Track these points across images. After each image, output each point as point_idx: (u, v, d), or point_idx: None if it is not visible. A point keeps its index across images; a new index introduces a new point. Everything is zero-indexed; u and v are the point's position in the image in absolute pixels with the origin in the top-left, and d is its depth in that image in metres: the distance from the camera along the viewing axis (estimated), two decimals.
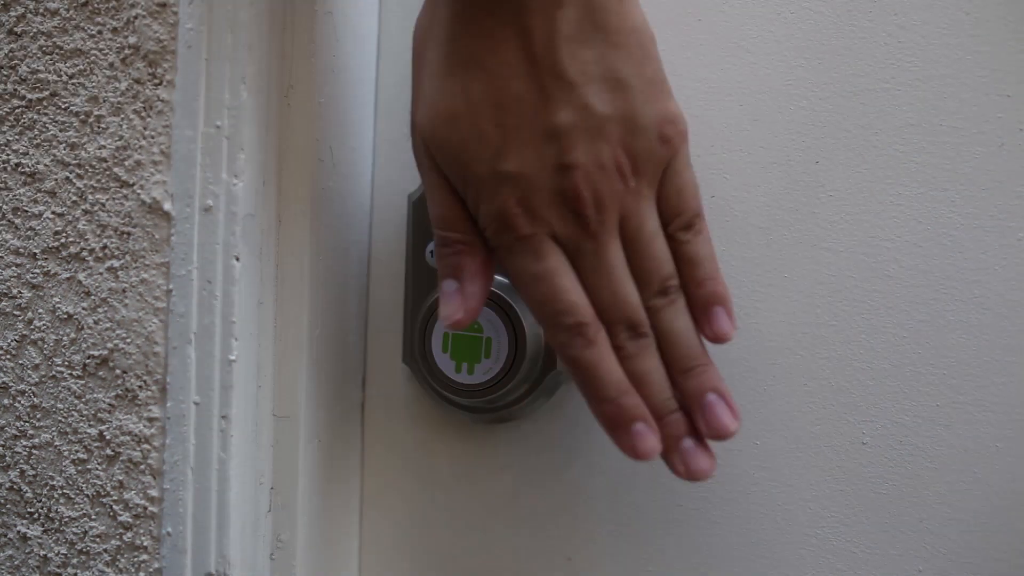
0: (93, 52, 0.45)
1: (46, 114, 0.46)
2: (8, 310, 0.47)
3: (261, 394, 0.46)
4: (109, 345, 0.46)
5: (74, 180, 0.46)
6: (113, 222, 0.46)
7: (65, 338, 0.47)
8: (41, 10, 0.46)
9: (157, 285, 0.45)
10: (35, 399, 0.47)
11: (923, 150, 0.46)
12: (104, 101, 0.45)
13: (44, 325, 0.47)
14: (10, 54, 0.47)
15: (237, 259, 0.44)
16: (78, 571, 0.47)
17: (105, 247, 0.46)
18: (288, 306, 0.47)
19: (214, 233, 0.44)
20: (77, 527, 0.47)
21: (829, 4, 0.47)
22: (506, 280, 0.47)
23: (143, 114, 0.45)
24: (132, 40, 0.45)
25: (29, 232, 0.47)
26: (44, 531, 0.47)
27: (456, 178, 0.38)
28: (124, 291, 0.46)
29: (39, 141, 0.46)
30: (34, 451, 0.47)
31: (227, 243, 0.44)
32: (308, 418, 0.48)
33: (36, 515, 0.47)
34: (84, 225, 0.46)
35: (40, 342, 0.47)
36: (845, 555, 0.47)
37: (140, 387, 0.45)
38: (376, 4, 0.53)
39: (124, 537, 0.46)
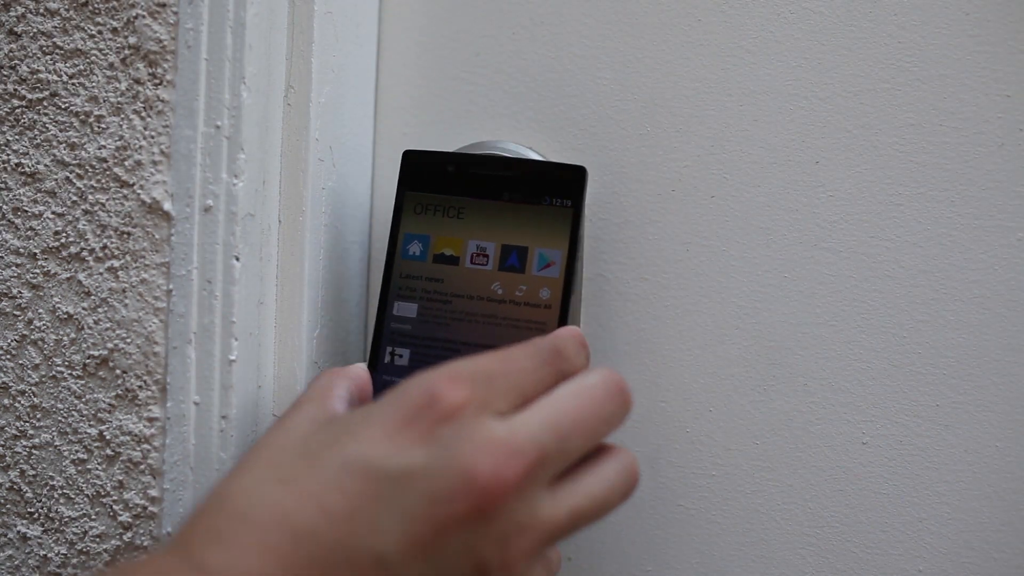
0: (93, 52, 0.45)
1: (46, 114, 0.46)
2: (8, 310, 0.47)
3: (261, 394, 0.46)
4: (109, 345, 0.46)
5: (74, 180, 0.46)
6: (113, 222, 0.46)
7: (65, 338, 0.47)
8: (41, 10, 0.46)
9: (157, 285, 0.45)
10: (35, 399, 0.47)
11: (923, 150, 0.46)
12: (104, 101, 0.45)
13: (44, 325, 0.47)
14: (10, 54, 0.47)
15: (237, 259, 0.44)
16: (78, 571, 0.47)
17: (105, 247, 0.46)
18: (288, 306, 0.47)
19: (214, 233, 0.44)
20: (77, 527, 0.47)
21: (829, 4, 0.47)
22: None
23: (143, 114, 0.45)
24: (132, 40, 0.45)
25: (29, 232, 0.47)
26: (44, 531, 0.47)
27: None
28: (124, 291, 0.46)
29: (39, 141, 0.47)
30: (34, 451, 0.47)
31: (227, 243, 0.44)
32: None
33: (36, 515, 0.47)
34: (84, 225, 0.46)
35: (40, 342, 0.47)
36: (845, 555, 0.47)
37: (140, 387, 0.46)
38: (376, 4, 0.53)
39: (124, 537, 0.46)
